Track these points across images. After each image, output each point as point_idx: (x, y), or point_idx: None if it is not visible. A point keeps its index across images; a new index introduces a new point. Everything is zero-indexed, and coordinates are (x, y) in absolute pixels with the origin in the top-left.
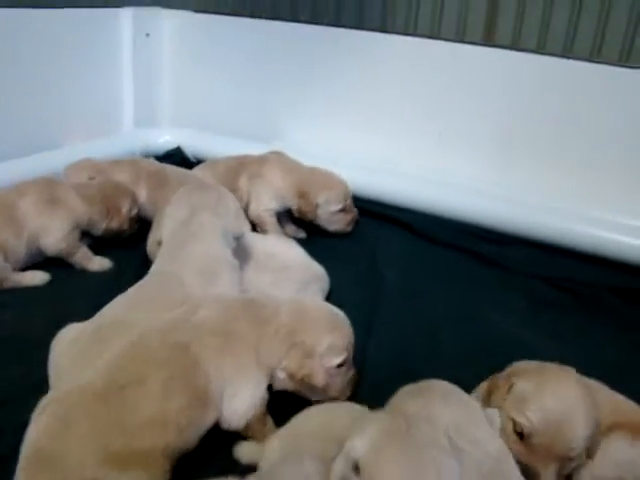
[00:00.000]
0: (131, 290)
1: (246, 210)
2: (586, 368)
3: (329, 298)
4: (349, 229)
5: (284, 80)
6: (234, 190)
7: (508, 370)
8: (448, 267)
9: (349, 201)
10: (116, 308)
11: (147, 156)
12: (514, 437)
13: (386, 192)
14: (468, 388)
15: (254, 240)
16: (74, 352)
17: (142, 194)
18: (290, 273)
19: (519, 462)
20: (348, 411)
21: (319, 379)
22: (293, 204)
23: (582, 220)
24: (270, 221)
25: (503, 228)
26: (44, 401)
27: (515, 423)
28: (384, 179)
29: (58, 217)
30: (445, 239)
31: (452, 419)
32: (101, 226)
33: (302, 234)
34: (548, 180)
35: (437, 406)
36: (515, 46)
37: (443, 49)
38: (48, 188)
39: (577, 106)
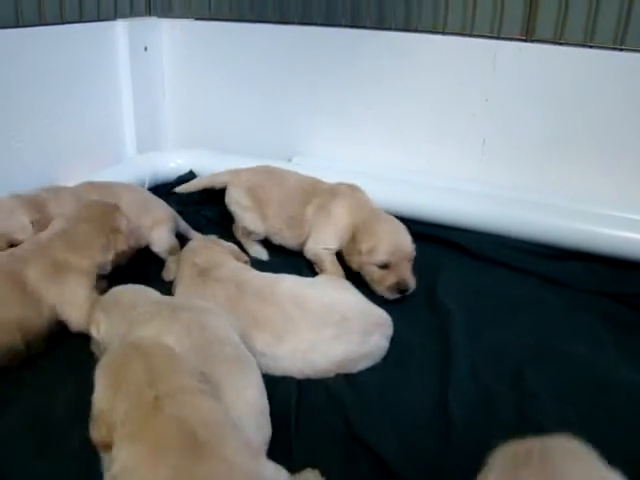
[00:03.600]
0: None
1: (302, 240)
2: None
3: (393, 344)
4: (389, 296)
5: (301, 90)
6: (299, 216)
7: None
8: (511, 291)
9: (397, 260)
10: None
11: (157, 184)
12: None
13: (425, 208)
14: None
15: (309, 292)
16: None
17: None
18: (350, 324)
19: None
20: None
21: None
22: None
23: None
24: (329, 260)
25: (560, 242)
26: None
27: None
28: (421, 194)
29: (72, 284)
30: (500, 259)
31: None
32: (109, 258)
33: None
34: (604, 187)
35: None
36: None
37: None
38: (44, 251)
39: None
